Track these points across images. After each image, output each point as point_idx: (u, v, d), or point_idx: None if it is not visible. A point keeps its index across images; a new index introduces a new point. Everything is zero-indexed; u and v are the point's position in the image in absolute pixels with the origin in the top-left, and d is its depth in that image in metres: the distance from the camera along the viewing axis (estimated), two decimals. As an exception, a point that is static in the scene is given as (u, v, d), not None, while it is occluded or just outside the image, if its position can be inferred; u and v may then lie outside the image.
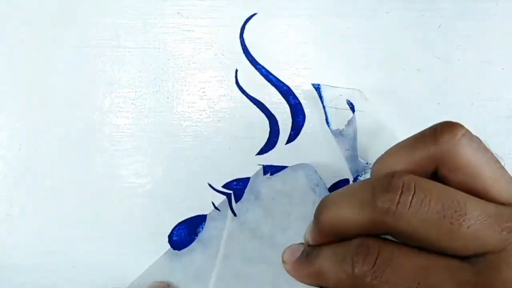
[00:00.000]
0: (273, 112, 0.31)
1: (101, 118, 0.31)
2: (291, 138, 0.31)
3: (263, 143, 0.31)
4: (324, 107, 0.29)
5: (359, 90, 0.30)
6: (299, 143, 0.31)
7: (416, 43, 0.32)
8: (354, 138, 0.28)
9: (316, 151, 0.31)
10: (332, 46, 0.32)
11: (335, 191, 0.21)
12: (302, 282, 0.21)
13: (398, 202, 0.18)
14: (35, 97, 0.31)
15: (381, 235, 0.19)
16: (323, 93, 0.29)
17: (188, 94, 0.31)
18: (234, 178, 0.31)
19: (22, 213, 0.31)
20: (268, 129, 0.31)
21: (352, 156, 0.28)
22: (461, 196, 0.18)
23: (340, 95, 0.29)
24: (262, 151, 0.31)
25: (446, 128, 0.20)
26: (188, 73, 0.31)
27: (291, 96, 0.31)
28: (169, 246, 0.31)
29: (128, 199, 0.31)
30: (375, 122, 0.29)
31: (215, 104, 0.31)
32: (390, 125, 0.31)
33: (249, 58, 0.31)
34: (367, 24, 0.32)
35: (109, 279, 0.31)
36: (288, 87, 0.31)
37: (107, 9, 0.31)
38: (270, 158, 0.31)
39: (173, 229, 0.31)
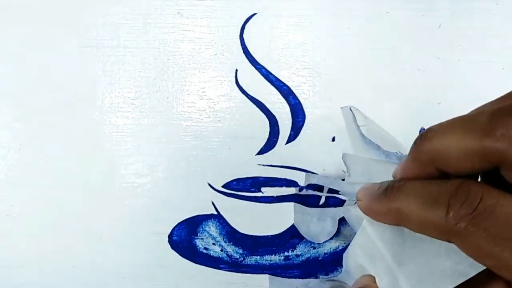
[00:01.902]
0: (273, 112, 0.31)
1: (101, 118, 0.31)
2: (291, 138, 0.31)
3: (263, 143, 0.31)
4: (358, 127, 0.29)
5: (354, 107, 0.29)
6: (299, 143, 0.31)
7: (416, 43, 0.32)
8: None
9: (316, 151, 0.31)
10: (332, 46, 0.32)
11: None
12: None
13: None
14: (35, 97, 0.31)
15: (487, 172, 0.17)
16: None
17: (188, 94, 0.31)
18: (234, 178, 0.31)
19: (22, 213, 0.31)
20: (268, 129, 0.31)
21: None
22: None
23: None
24: (262, 151, 0.31)
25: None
26: (188, 73, 0.31)
27: (291, 96, 0.31)
28: (169, 246, 0.31)
29: (128, 199, 0.31)
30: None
31: (215, 104, 0.31)
32: (390, 125, 0.31)
33: (249, 58, 0.31)
34: (367, 24, 0.32)
35: (109, 279, 0.31)
36: (288, 87, 0.31)
37: (107, 9, 0.31)
38: (270, 158, 0.31)
39: (173, 229, 0.31)
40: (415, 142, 0.18)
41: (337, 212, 0.29)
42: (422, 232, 0.17)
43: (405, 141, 0.31)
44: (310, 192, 0.31)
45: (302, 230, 0.31)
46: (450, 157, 0.17)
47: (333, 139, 0.31)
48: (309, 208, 0.31)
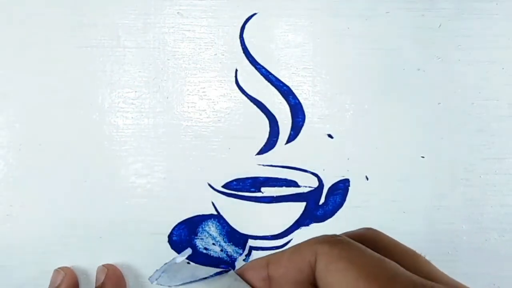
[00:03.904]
0: (273, 112, 0.31)
1: (101, 118, 0.31)
2: (291, 138, 0.31)
3: (263, 143, 0.31)
4: None
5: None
6: (298, 143, 0.31)
7: (416, 43, 0.32)
8: None
9: (316, 151, 0.31)
10: (332, 46, 0.32)
11: None
12: None
13: None
14: (35, 97, 0.31)
15: None
16: None
17: (188, 94, 0.31)
18: (234, 178, 0.31)
19: (22, 213, 0.31)
20: (268, 129, 0.31)
21: None
22: None
23: None
24: (262, 151, 0.31)
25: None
26: (188, 73, 0.31)
27: (291, 96, 0.31)
28: (169, 246, 0.31)
29: (128, 199, 0.31)
30: None
31: (215, 104, 0.31)
32: (390, 126, 0.31)
33: (249, 58, 0.31)
34: (367, 24, 0.32)
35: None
36: (288, 87, 0.31)
37: (107, 9, 0.31)
38: (270, 158, 0.31)
39: (173, 229, 0.31)
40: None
41: None
42: None
43: (405, 141, 0.31)
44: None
45: None
46: None
47: (331, 136, 0.31)
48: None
